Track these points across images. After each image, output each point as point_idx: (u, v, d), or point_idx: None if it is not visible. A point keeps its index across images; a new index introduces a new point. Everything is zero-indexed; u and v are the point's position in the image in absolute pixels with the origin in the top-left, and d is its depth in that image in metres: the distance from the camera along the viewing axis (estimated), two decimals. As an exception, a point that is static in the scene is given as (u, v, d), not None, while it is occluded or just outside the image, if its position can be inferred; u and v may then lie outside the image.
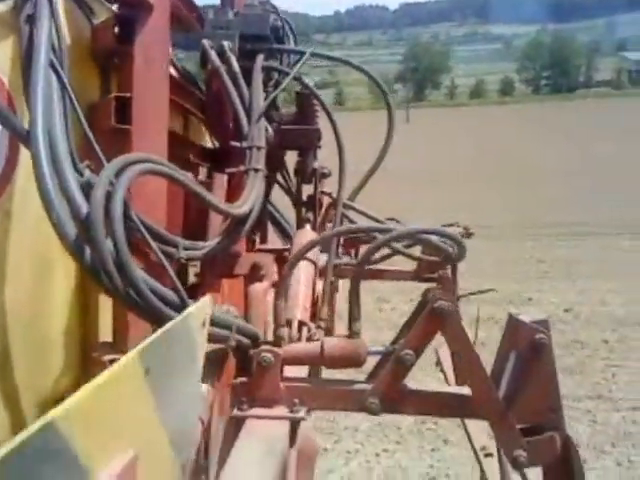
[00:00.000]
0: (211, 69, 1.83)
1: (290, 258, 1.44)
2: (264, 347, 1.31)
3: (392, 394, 1.28)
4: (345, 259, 2.99)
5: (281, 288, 1.35)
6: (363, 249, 3.17)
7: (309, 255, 1.92)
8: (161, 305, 1.09)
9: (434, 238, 1.40)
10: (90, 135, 1.25)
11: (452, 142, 41.73)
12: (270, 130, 1.92)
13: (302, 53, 2.04)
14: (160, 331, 0.71)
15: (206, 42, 1.83)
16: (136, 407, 0.64)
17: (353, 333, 1.35)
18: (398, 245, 2.39)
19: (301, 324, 1.73)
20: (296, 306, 1.78)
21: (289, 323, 1.74)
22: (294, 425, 1.29)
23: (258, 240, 2.35)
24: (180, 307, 1.14)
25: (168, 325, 0.74)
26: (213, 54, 1.81)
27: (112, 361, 1.45)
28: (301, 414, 1.29)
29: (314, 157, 2.15)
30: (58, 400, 1.17)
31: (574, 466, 1.27)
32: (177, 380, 0.78)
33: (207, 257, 1.52)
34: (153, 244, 1.16)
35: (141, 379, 0.64)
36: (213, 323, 1.24)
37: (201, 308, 0.89)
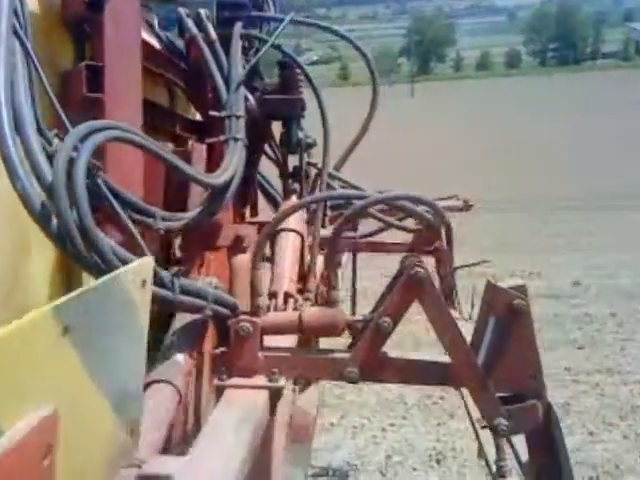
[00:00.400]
0: (188, 38, 1.80)
1: (265, 226, 1.42)
2: (242, 317, 1.30)
3: (371, 362, 1.27)
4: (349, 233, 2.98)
5: (256, 257, 1.33)
6: (360, 223, 3.16)
7: (296, 227, 1.90)
8: None
9: (411, 205, 1.37)
10: (56, 103, 1.22)
11: (457, 116, 41.46)
12: (252, 99, 1.88)
13: (282, 20, 1.99)
14: (81, 289, 0.70)
15: (182, 10, 1.80)
16: (53, 365, 0.62)
17: (331, 302, 1.34)
18: (392, 219, 2.37)
19: (287, 296, 1.72)
20: (282, 278, 1.77)
21: (275, 295, 1.73)
22: (273, 394, 1.28)
23: (248, 213, 2.33)
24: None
25: (93, 284, 0.73)
26: (190, 22, 1.78)
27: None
28: (280, 383, 1.28)
29: (298, 127, 2.12)
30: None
31: (555, 434, 1.26)
32: (111, 339, 0.77)
33: (186, 228, 1.50)
34: (120, 210, 1.13)
35: (57, 336, 0.62)
36: (188, 293, 1.23)
37: (139, 267, 0.87)
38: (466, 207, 4.23)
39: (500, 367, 1.24)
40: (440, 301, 1.24)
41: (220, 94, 1.71)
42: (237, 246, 1.70)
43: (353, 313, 2.94)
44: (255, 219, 2.18)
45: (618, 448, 4.31)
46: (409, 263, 1.23)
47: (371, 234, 2.79)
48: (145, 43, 1.95)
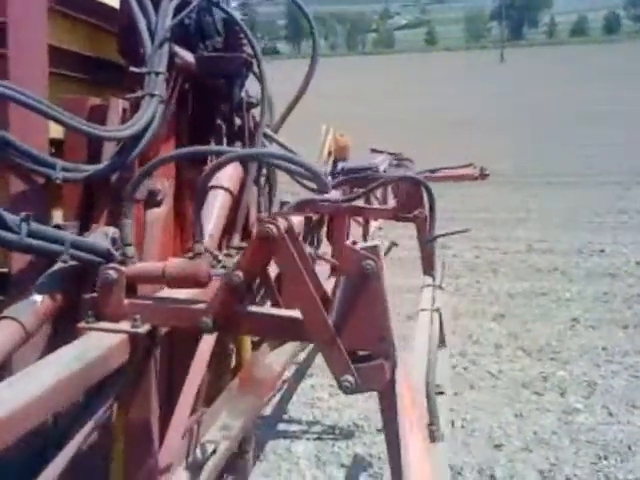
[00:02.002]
0: (122, -6, 1.83)
1: (136, 174, 1.45)
2: (109, 265, 1.35)
3: (225, 314, 1.30)
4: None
5: (126, 208, 1.38)
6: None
7: (226, 184, 1.93)
8: None
9: (285, 164, 1.37)
10: None
11: (547, 84, 39.82)
12: (188, 57, 1.90)
13: None
14: None
15: None
16: None
17: (195, 254, 1.37)
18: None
19: (205, 251, 1.76)
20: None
21: (191, 250, 1.78)
22: (133, 339, 1.33)
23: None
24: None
25: None
26: (120, -21, 1.81)
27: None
28: (141, 330, 1.33)
29: (240, 86, 2.12)
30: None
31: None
32: None
33: (89, 180, 1.56)
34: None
35: None
36: (42, 238, 1.29)
37: None
38: (482, 176, 4.13)
39: (350, 326, 1.24)
40: (292, 258, 1.25)
41: (144, 51, 1.75)
42: (151, 200, 1.75)
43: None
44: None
45: (635, 430, 4.15)
46: (261, 220, 1.25)
47: (353, 198, 2.78)
48: (101, 3, 2.01)
